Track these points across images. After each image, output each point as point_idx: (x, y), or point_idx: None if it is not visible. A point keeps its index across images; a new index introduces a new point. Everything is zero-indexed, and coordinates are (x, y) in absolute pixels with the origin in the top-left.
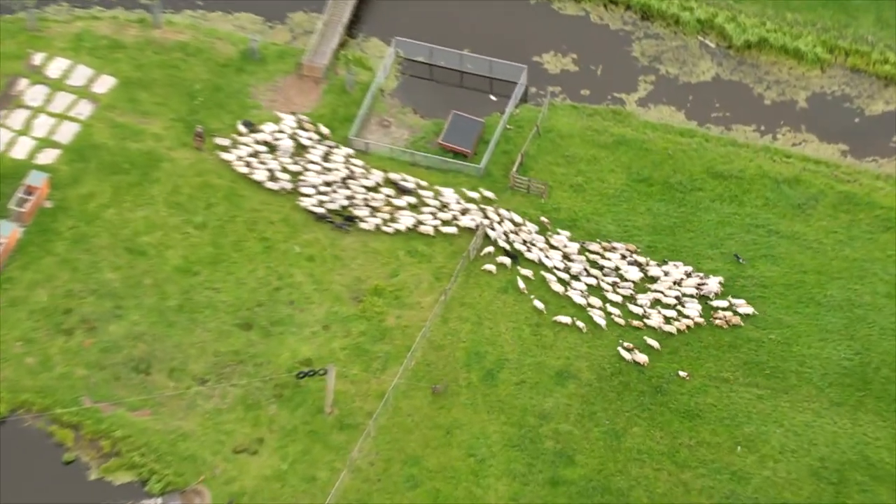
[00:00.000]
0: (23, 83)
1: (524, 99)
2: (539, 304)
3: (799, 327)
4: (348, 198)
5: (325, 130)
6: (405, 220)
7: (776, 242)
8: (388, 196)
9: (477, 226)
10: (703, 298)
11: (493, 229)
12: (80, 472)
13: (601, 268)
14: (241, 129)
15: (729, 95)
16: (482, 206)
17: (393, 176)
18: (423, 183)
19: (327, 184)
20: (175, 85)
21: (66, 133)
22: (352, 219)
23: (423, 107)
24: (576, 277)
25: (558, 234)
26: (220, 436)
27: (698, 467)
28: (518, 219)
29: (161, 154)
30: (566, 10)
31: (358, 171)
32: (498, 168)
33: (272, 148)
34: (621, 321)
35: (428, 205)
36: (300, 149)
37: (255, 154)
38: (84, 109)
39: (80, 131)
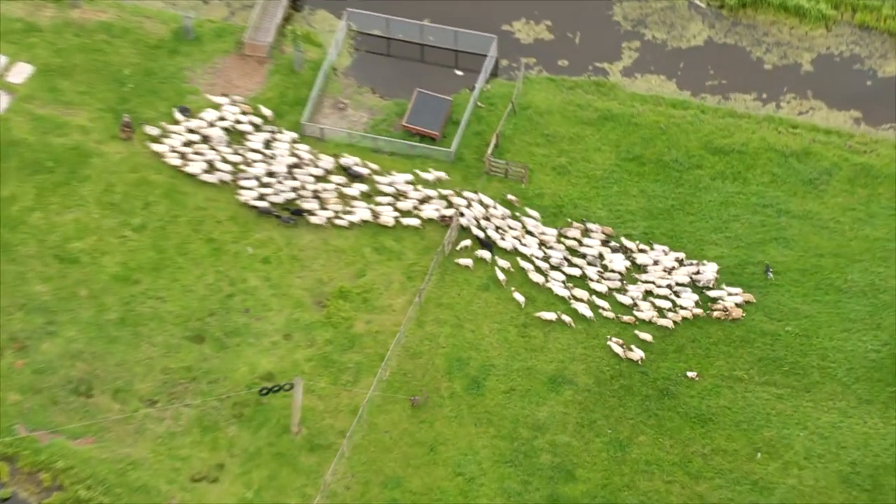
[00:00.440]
0: None
1: (495, 73)
2: (519, 297)
3: (818, 317)
4: (295, 189)
5: (267, 112)
6: (361, 213)
7: (787, 223)
8: (340, 185)
9: (443, 217)
10: (698, 289)
11: (461, 215)
12: None
13: (583, 256)
14: (178, 116)
15: (724, 61)
16: (443, 190)
17: (345, 161)
18: (376, 167)
19: (271, 174)
20: (100, 71)
21: None
22: (300, 212)
23: (382, 86)
24: (556, 268)
25: (528, 214)
26: (174, 463)
27: (714, 478)
28: (488, 200)
29: (89, 149)
30: None
31: (305, 157)
32: (470, 151)
33: (205, 138)
34: (610, 314)
35: (385, 193)
36: (239, 136)
37: (189, 144)
38: None
39: None
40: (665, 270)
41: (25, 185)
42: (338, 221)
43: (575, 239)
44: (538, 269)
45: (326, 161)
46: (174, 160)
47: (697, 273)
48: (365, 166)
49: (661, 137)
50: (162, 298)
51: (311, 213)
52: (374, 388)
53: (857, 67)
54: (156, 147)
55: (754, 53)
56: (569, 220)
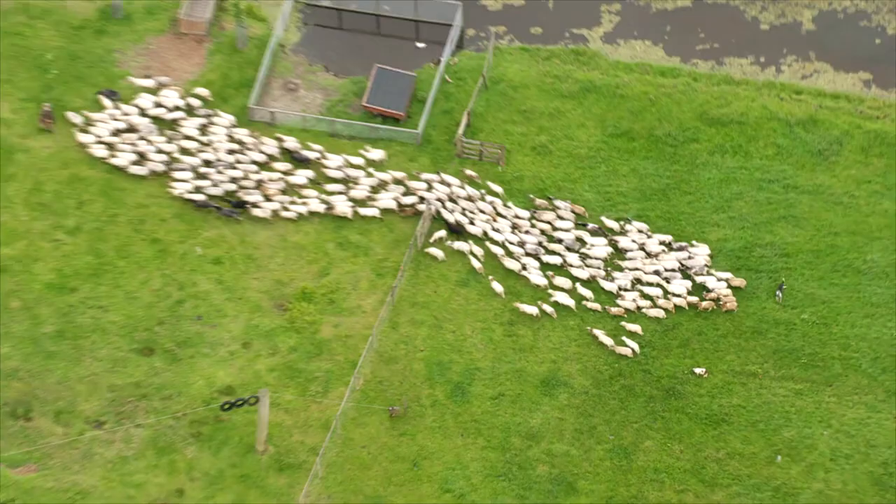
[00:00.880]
0: None
1: (461, 44)
2: (497, 287)
3: (837, 303)
4: (235, 179)
5: (203, 92)
6: (312, 204)
7: (796, 199)
8: (285, 173)
9: (402, 207)
10: (689, 275)
11: (421, 200)
12: None
13: (560, 241)
14: (104, 102)
15: (716, 22)
16: (395, 173)
17: (291, 145)
18: (319, 147)
19: (207, 163)
20: (20, 56)
21: None
22: (242, 204)
23: (336, 63)
24: (533, 255)
25: (491, 190)
26: (128, 490)
27: (732, 485)
28: (451, 180)
29: (13, 144)
30: None
31: (247, 142)
32: (439, 132)
33: (132, 128)
34: (596, 306)
35: (335, 180)
36: (170, 123)
37: (118, 133)
38: None
39: None
40: (652, 255)
41: None
42: (285, 214)
43: (548, 222)
44: (509, 254)
45: (270, 145)
46: (100, 151)
47: (690, 258)
48: (305, 149)
49: (650, 110)
50: (104, 307)
51: (254, 205)
52: (347, 399)
53: (863, 24)
54: (81, 137)
55: (749, 12)
56: (530, 195)
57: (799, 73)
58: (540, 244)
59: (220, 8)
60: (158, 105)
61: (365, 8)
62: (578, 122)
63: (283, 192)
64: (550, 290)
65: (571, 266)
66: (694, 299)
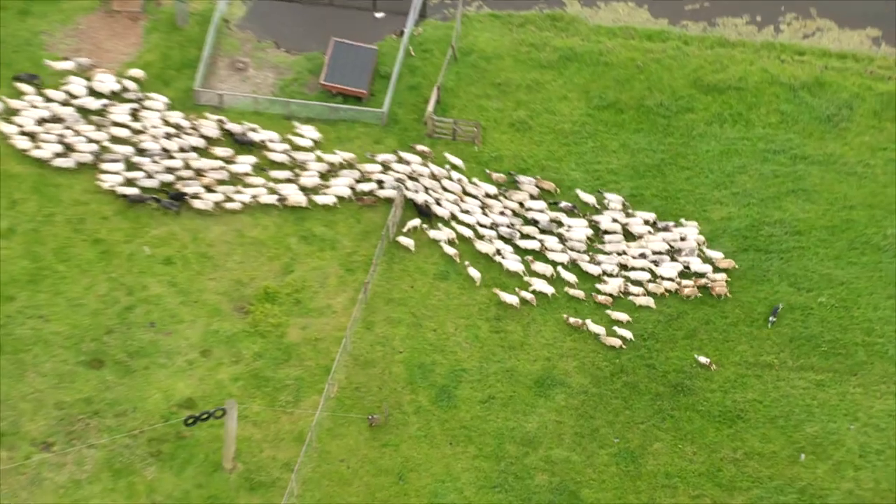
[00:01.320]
0: None
1: (424, 13)
2: (474, 273)
3: (856, 283)
4: (170, 169)
5: (137, 73)
6: (261, 194)
7: (805, 171)
8: (226, 160)
9: (360, 196)
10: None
11: (380, 185)
12: None
13: (535, 223)
14: (22, 87)
15: None
16: (343, 154)
17: (233, 127)
18: (273, 134)
19: (140, 152)
20: None
21: None
22: (180, 196)
23: (287, 38)
24: (507, 240)
25: (450, 169)
26: None
27: (752, 488)
28: (412, 157)
29: None
30: None
31: (185, 126)
32: (407, 111)
33: (56, 117)
34: (579, 294)
35: (283, 166)
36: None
37: (42, 122)
38: None
39: None
40: (636, 238)
41: None
42: (229, 205)
43: (520, 203)
44: (479, 237)
45: (210, 127)
46: (22, 143)
47: (682, 240)
48: (251, 132)
49: (638, 78)
50: (44, 317)
51: (194, 196)
52: (322, 409)
53: None
54: (3, 127)
55: None
56: (487, 171)
57: (800, 32)
58: (511, 225)
59: None
60: (93, 91)
61: None
62: (560, 94)
63: (223, 181)
64: (528, 278)
65: (551, 251)
66: (689, 284)
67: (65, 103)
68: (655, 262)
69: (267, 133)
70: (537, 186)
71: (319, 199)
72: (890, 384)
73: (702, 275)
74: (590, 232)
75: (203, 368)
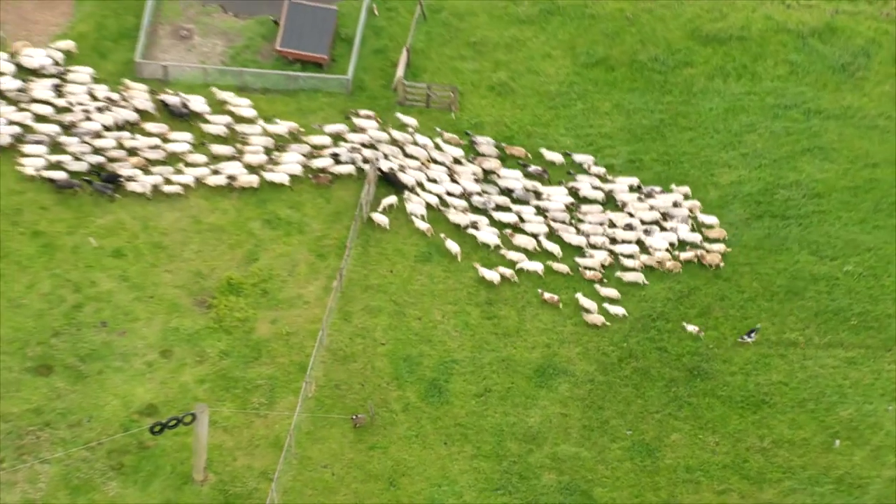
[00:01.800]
0: None
1: None
2: (452, 246)
3: (885, 249)
4: (99, 150)
5: (66, 45)
6: (199, 174)
7: (821, 127)
8: (162, 136)
9: (316, 174)
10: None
11: (336, 159)
12: None
13: (510, 192)
14: None
15: None
16: (287, 123)
17: (169, 98)
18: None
19: (65, 129)
20: None
21: None
22: (114, 178)
23: (235, 1)
24: (482, 211)
25: (404, 123)
26: None
27: (783, 479)
28: (367, 123)
29: None
30: None
31: (114, 100)
32: (373, 76)
33: None
34: (562, 268)
35: (224, 141)
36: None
37: None
38: None
39: None
40: (621, 205)
41: None
42: (168, 189)
43: (492, 171)
44: (444, 205)
45: (142, 98)
46: None
47: (675, 206)
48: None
49: (629, 31)
50: None
51: (130, 178)
52: (300, 410)
53: None
54: None
55: None
56: (437, 128)
57: None
58: (483, 192)
59: None
60: (21, 67)
61: None
62: (543, 52)
63: (159, 161)
64: (510, 255)
65: (528, 222)
66: (690, 255)
67: None
68: (647, 232)
69: (242, 100)
70: (510, 154)
71: (270, 177)
72: None
73: (698, 245)
74: (570, 200)
75: (164, 370)
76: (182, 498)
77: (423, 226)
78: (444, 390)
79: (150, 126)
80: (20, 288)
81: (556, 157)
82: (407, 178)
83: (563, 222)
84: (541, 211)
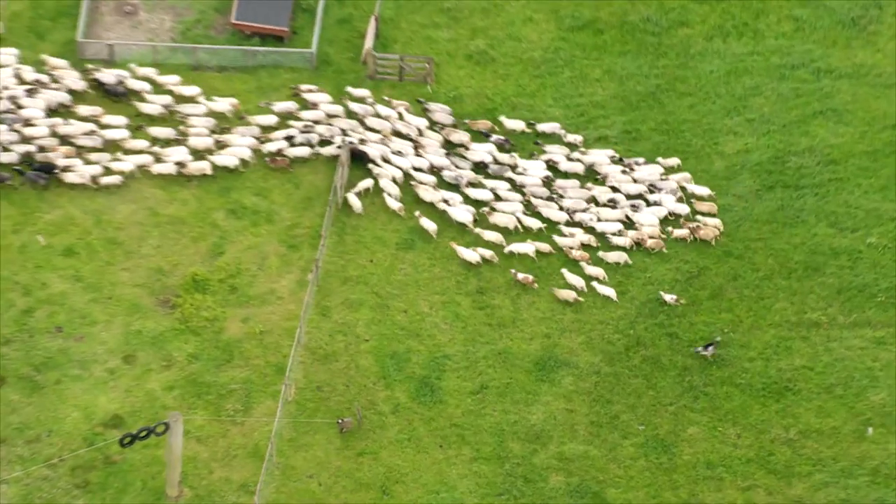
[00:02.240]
0: None
1: None
2: (428, 225)
3: None
4: (27, 139)
5: None
6: (140, 162)
7: (833, 87)
8: (95, 119)
9: (274, 158)
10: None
11: (290, 141)
12: None
13: (484, 167)
14: None
15: None
16: (228, 101)
17: (104, 76)
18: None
19: None
20: None
21: None
22: (49, 168)
23: None
24: (454, 185)
25: (353, 97)
26: None
27: (813, 472)
28: (320, 97)
29: None
30: None
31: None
32: (339, 49)
33: None
34: (543, 247)
35: (161, 122)
36: None
37: None
38: None
39: None
40: (602, 178)
41: None
42: (107, 180)
43: (462, 145)
44: (408, 177)
45: (72, 78)
46: None
47: (663, 178)
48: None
49: None
50: None
51: (66, 168)
52: (280, 415)
53: None
54: None
55: None
56: (385, 97)
57: None
58: (452, 165)
59: None
60: None
61: None
62: (524, 16)
63: (95, 148)
64: (479, 231)
65: (505, 200)
66: (684, 233)
67: None
68: (634, 207)
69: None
70: (476, 130)
71: (219, 161)
72: None
73: (689, 218)
74: (548, 173)
75: (128, 378)
76: None
77: (395, 205)
78: (436, 388)
79: (82, 109)
80: None
81: (516, 124)
82: (372, 151)
83: (542, 198)
84: (516, 186)
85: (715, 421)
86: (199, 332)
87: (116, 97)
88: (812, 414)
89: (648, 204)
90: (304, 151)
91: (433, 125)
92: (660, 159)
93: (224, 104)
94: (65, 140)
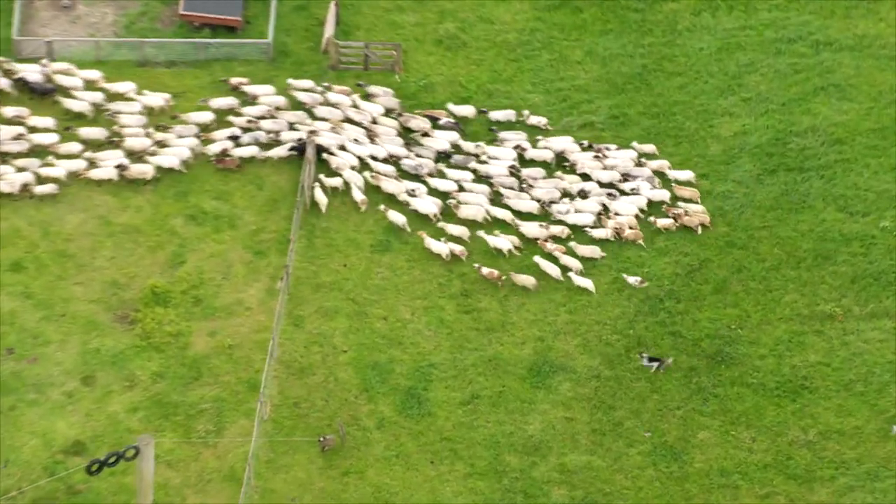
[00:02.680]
0: None
1: None
2: (397, 218)
3: None
4: None
5: None
6: (73, 167)
7: (833, 61)
8: (19, 119)
9: (220, 157)
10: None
11: (236, 141)
12: None
13: (447, 156)
14: None
15: None
16: (161, 96)
17: (29, 75)
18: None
19: None
20: None
21: None
22: None
23: None
24: (419, 178)
25: (294, 88)
26: None
27: (837, 476)
28: (262, 89)
29: None
30: None
31: None
32: (297, 38)
33: None
34: (513, 240)
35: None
36: None
37: None
38: None
39: None
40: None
41: None
42: (42, 189)
43: (424, 133)
44: (366, 167)
45: None
46: None
47: (640, 165)
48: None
49: None
50: None
51: None
52: (256, 435)
53: None
54: None
55: None
56: (325, 84)
57: None
58: (416, 154)
59: None
60: None
61: None
62: None
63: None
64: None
65: (470, 192)
66: (668, 222)
67: None
68: (611, 195)
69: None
70: (428, 117)
71: (161, 162)
72: None
73: (670, 204)
74: (515, 163)
75: (88, 400)
76: None
77: (358, 196)
78: (423, 400)
79: (6, 110)
80: None
81: (466, 110)
82: (327, 140)
83: (512, 188)
84: (481, 177)
85: (727, 424)
86: (163, 349)
87: (43, 95)
88: (831, 413)
89: (622, 193)
90: (252, 151)
91: (389, 112)
92: (634, 144)
93: (157, 98)
94: None
